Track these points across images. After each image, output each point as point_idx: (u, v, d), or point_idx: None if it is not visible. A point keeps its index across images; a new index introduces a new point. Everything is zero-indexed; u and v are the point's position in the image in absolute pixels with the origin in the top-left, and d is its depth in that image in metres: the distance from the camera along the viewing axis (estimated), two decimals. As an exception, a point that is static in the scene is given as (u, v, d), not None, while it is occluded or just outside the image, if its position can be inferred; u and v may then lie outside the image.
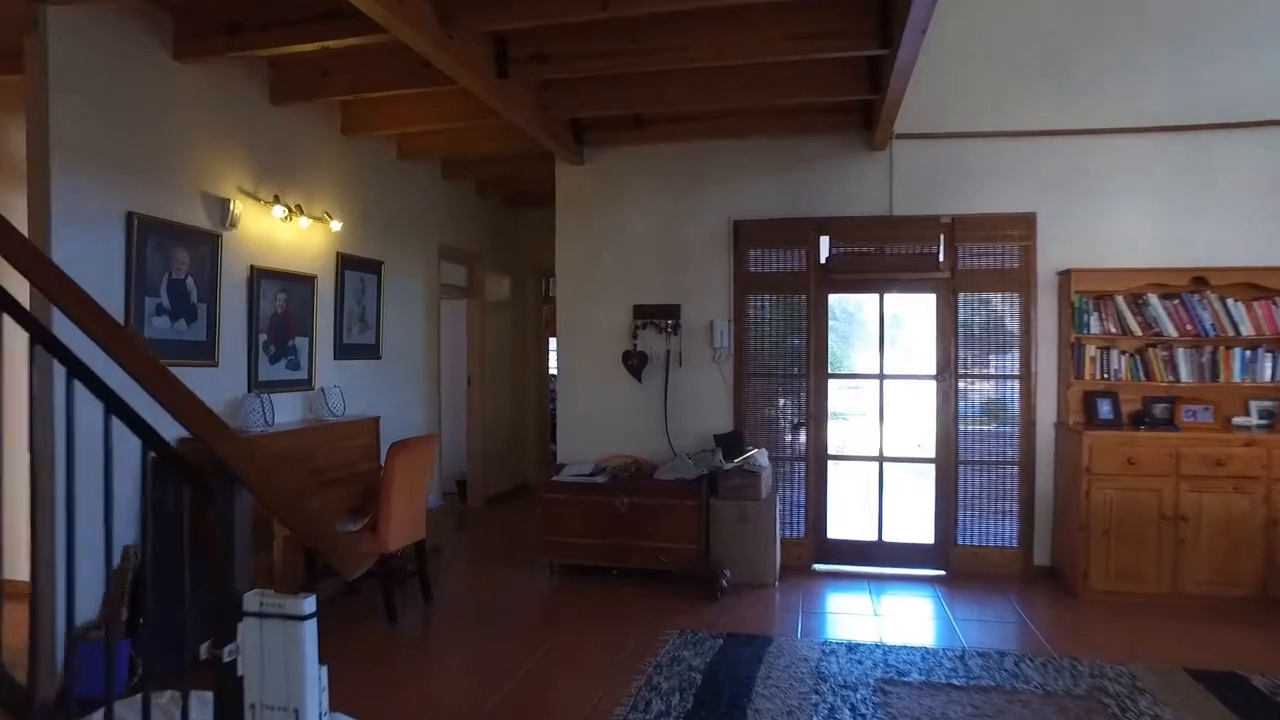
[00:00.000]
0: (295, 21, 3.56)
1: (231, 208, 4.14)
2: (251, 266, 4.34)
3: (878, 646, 3.81)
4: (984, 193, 4.99)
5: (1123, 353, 4.72)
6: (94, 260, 3.39)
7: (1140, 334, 4.65)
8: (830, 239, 5.16)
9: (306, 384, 4.81)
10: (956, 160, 5.04)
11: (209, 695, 1.71)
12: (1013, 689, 3.30)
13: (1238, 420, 4.61)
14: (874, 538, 5.25)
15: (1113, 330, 4.68)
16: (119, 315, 3.49)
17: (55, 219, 3.23)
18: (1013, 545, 5.00)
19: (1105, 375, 4.72)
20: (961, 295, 5.04)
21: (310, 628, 1.64)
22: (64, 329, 1.76)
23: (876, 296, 5.22)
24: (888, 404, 5.22)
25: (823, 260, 5.18)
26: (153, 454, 1.74)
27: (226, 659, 1.62)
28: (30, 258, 1.62)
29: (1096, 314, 4.70)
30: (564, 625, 4.30)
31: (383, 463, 4.67)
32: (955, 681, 3.38)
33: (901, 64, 3.68)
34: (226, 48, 3.75)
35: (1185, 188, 4.80)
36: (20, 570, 2.46)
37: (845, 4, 3.74)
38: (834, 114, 5.03)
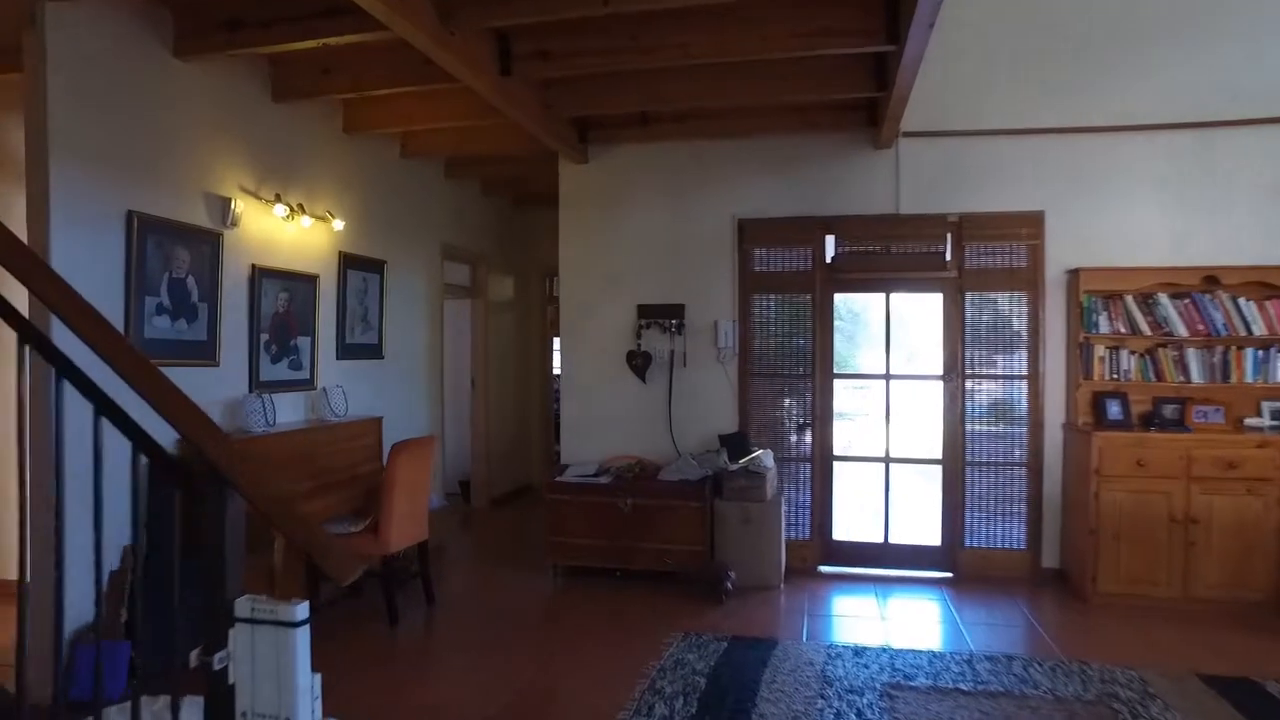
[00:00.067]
0: (296, 18, 3.55)
1: (232, 206, 4.12)
2: (253, 266, 4.31)
3: (884, 650, 3.76)
4: (991, 191, 4.94)
5: (1132, 353, 4.66)
6: (94, 259, 3.37)
7: (1150, 334, 4.59)
8: (836, 238, 5.12)
9: (308, 384, 4.78)
10: (963, 158, 4.98)
11: (201, 700, 1.68)
12: (1022, 694, 3.25)
13: (1250, 421, 4.55)
14: (880, 539, 5.20)
15: (1122, 330, 4.63)
16: (119, 315, 3.47)
17: (54, 218, 3.20)
18: (1021, 548, 4.95)
19: (1114, 376, 4.66)
20: (969, 295, 4.99)
21: (303, 634, 1.61)
22: (61, 331, 1.73)
23: (882, 296, 5.17)
24: (894, 405, 5.18)
25: (828, 259, 5.13)
26: (144, 457, 1.71)
27: (217, 666, 1.59)
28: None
29: (1106, 313, 4.64)
30: (567, 627, 4.26)
31: (385, 463, 4.65)
32: (963, 686, 3.34)
33: (908, 60, 3.63)
34: (227, 45, 3.73)
35: (1196, 185, 4.73)
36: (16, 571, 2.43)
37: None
38: (839, 111, 4.98)
